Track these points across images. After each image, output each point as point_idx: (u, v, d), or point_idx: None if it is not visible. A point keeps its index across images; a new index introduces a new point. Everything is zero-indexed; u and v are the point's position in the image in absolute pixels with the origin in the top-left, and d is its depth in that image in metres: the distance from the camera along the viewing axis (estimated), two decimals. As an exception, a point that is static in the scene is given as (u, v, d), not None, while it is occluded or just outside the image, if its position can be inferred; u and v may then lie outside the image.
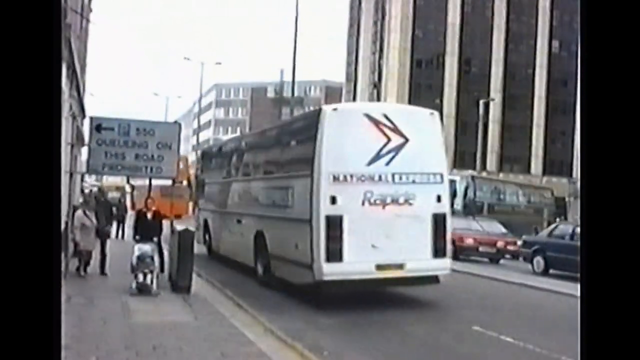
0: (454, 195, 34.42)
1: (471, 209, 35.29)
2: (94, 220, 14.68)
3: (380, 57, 75.19)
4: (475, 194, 38.35)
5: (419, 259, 12.53)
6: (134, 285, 12.31)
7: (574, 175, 74.56)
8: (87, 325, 9.23)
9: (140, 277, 12.35)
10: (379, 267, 12.18)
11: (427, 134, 13.09)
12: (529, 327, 11.34)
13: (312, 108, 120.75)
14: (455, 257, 18.95)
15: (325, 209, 11.85)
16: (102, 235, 15.11)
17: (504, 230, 27.45)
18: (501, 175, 65.15)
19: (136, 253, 12.73)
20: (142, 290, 12.21)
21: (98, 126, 14.09)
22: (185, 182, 41.01)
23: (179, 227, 13.34)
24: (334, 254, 11.77)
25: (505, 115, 73.06)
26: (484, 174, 48.33)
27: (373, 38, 75.91)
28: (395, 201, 12.38)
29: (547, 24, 75.19)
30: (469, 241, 24.42)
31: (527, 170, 72.84)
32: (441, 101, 72.64)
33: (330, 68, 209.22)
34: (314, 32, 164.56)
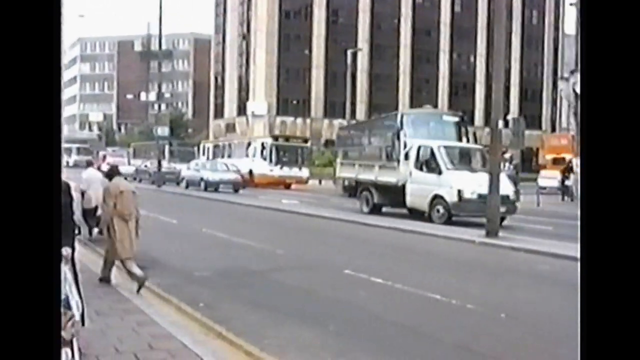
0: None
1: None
2: None
3: (249, 9, 74.54)
4: None
5: None
6: None
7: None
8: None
9: None
10: None
11: None
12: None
13: (181, 61, 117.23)
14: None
15: None
16: None
17: None
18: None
19: None
20: None
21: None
22: None
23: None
24: None
25: (372, 64, 74.38)
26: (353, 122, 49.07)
27: (241, -11, 75.08)
28: None
29: (410, -26, 76.67)
30: None
31: (395, 118, 74.71)
32: (310, 52, 73.09)
33: (199, 20, 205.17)
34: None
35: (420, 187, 21.06)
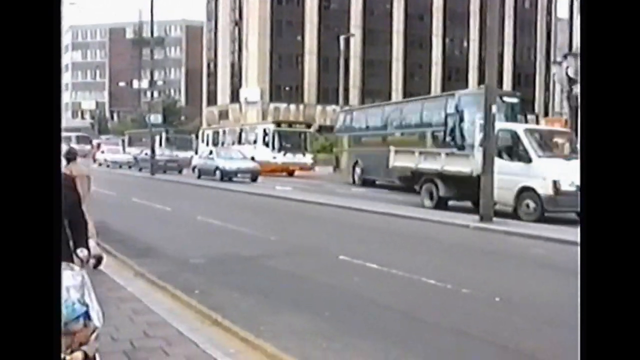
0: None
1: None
2: None
3: (241, -6, 74.22)
4: None
5: None
6: None
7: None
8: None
9: None
10: None
11: None
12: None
13: (173, 48, 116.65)
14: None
15: None
16: None
17: None
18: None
19: None
20: None
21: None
22: None
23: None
24: None
25: (365, 50, 74.20)
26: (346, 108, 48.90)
27: (232, -25, 74.73)
28: None
29: (403, -41, 76.38)
30: None
31: (389, 104, 74.76)
32: (302, 38, 72.87)
33: (190, 7, 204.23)
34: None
35: (502, 178, 17.19)
